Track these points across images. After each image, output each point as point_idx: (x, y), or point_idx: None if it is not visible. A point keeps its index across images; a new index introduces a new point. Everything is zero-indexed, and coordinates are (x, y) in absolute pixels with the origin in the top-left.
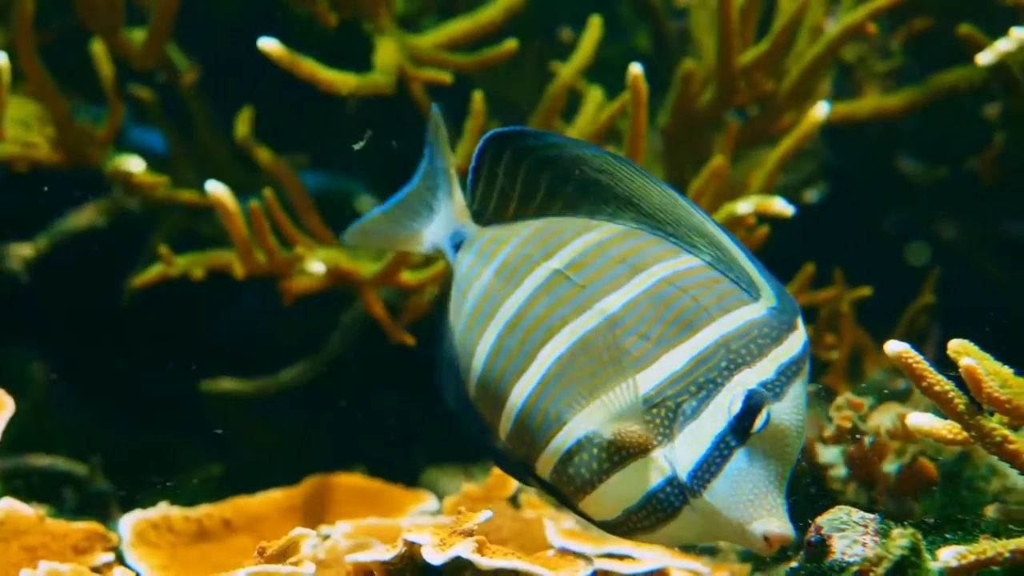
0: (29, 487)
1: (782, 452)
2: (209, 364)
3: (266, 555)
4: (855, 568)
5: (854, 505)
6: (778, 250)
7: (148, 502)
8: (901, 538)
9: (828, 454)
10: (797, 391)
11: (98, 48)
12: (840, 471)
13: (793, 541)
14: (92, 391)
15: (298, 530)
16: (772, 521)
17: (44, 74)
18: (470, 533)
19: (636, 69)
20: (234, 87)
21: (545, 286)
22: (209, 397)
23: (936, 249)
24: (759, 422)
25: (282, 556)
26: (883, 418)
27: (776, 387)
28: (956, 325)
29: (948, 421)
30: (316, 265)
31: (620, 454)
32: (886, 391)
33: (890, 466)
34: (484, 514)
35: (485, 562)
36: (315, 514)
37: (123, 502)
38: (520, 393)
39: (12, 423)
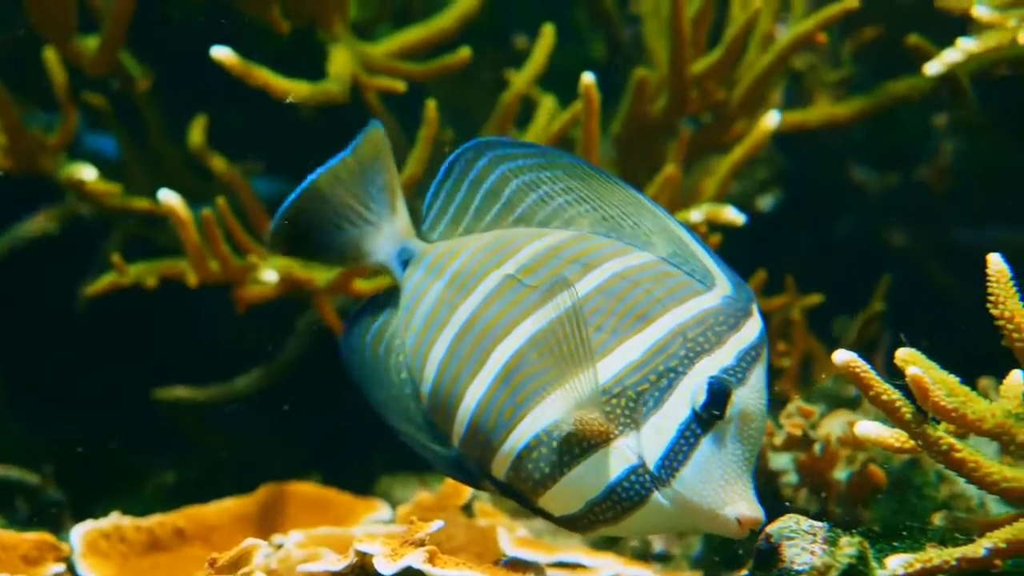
0: None
1: (748, 436)
2: (164, 371)
3: (217, 566)
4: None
5: (805, 512)
6: (731, 257)
7: (100, 512)
8: (849, 546)
9: (779, 461)
10: (758, 376)
11: (51, 55)
12: (791, 478)
13: (763, 522)
14: (45, 399)
15: (250, 540)
16: (743, 505)
17: None
18: (422, 543)
19: (588, 78)
20: (189, 94)
21: (497, 291)
22: (163, 405)
23: (887, 256)
24: (725, 408)
25: (233, 567)
26: (833, 425)
27: (738, 373)
28: (906, 332)
29: (895, 430)
30: (269, 274)
31: (580, 446)
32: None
33: (840, 473)
34: (436, 524)
35: (436, 572)
36: (268, 523)
37: (75, 511)
38: (473, 396)
39: None
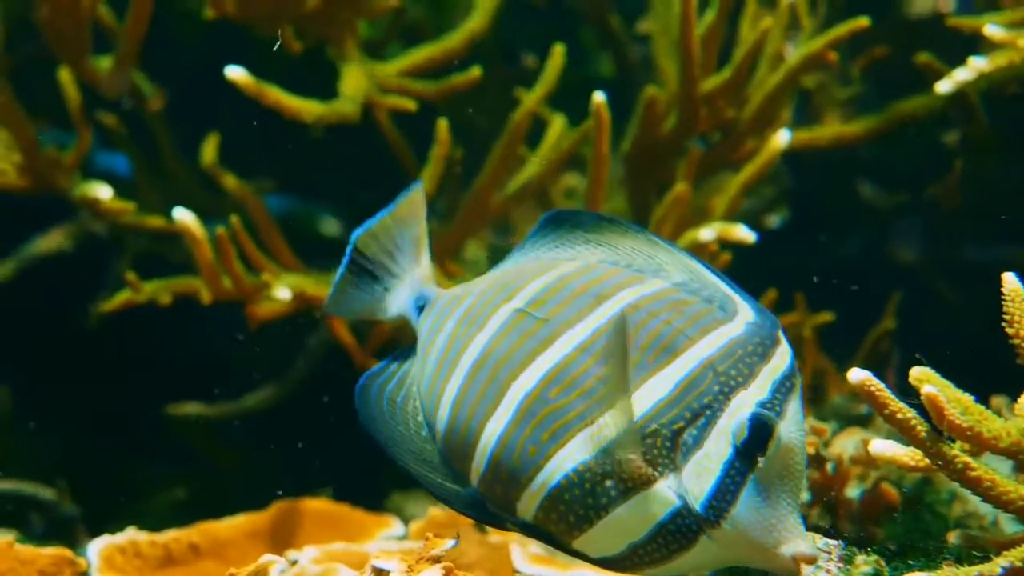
0: None
1: (792, 470)
2: (177, 387)
3: None
4: None
5: (817, 530)
6: (739, 275)
7: (112, 526)
8: (865, 564)
9: None
10: (795, 407)
11: (65, 75)
12: (803, 496)
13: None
14: (58, 415)
15: (266, 556)
16: (800, 543)
17: (11, 99)
18: (438, 559)
19: (599, 97)
20: (200, 113)
21: (507, 326)
22: (173, 421)
23: (896, 274)
24: (768, 446)
25: None
26: (846, 444)
27: (776, 406)
28: (916, 350)
29: (910, 448)
30: (283, 291)
31: (619, 488)
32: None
33: (853, 491)
34: (451, 541)
35: None
36: (282, 539)
37: (89, 526)
38: (492, 433)
39: None
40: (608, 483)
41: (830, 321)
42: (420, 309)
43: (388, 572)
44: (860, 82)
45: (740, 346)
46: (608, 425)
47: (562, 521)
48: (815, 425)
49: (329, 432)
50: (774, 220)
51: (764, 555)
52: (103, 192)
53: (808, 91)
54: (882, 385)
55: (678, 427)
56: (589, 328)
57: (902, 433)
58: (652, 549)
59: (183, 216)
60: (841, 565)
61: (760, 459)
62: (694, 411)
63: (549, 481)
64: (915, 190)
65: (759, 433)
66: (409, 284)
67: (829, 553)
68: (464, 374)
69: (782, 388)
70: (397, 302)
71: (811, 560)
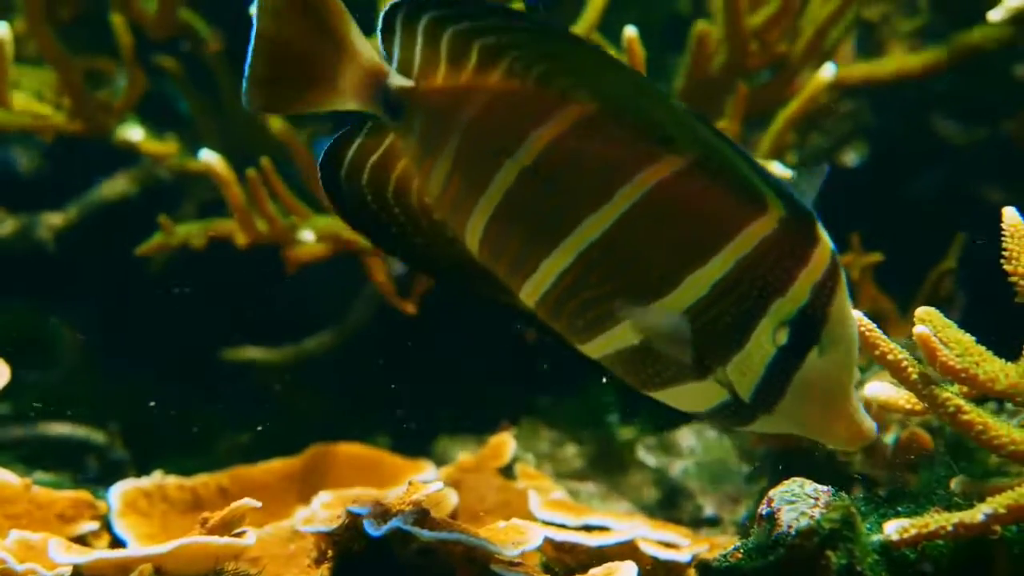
0: (53, 455)
1: (840, 362)
2: (240, 331)
3: (208, 526)
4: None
5: (861, 476)
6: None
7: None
8: (834, 511)
9: None
10: (839, 305)
11: (117, 19)
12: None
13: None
14: (124, 359)
15: (245, 500)
16: (848, 426)
17: (55, 44)
18: (416, 504)
19: (630, 32)
20: None
21: (518, 189)
22: (233, 366)
23: (976, 213)
24: (809, 352)
25: (225, 527)
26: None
27: (817, 310)
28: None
29: (906, 391)
30: (306, 234)
31: (669, 372)
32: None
33: (889, 437)
34: (434, 485)
35: (425, 534)
36: (314, 483)
37: (146, 471)
38: (547, 275)
39: (31, 390)
40: (658, 366)
41: (880, 261)
42: (391, 108)
43: (360, 516)
44: (927, 12)
45: (776, 248)
46: (653, 313)
47: (631, 378)
48: None
49: (386, 375)
50: (852, 158)
51: (818, 433)
52: (135, 134)
53: (871, 23)
54: (872, 325)
55: (720, 327)
56: (614, 214)
57: (892, 374)
58: (716, 421)
59: (209, 157)
60: (825, 511)
61: (804, 360)
62: (734, 315)
63: (604, 350)
64: (993, 125)
65: (800, 340)
66: (362, 70)
67: (816, 499)
68: (482, 228)
69: (824, 289)
70: (355, 91)
71: (867, 439)
